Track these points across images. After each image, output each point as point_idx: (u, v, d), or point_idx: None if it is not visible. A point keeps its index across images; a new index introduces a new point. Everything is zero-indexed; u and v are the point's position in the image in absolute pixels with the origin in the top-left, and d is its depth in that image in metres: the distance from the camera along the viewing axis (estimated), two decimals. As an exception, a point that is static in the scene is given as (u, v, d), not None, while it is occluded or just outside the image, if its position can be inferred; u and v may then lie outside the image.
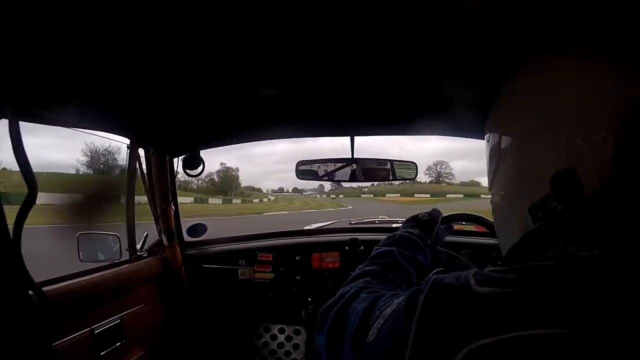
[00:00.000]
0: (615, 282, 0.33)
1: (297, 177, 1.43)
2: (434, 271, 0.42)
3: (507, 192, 0.46)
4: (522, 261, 0.39)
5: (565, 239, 0.38)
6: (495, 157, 0.48)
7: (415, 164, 1.44)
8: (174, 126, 1.26)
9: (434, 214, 0.87)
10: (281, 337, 1.63)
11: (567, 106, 0.39)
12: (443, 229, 0.88)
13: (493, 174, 0.49)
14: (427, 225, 0.83)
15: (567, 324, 0.31)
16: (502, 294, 0.35)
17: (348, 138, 1.37)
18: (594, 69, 0.38)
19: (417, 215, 0.88)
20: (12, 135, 0.67)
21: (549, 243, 0.39)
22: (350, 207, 28.67)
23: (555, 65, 0.42)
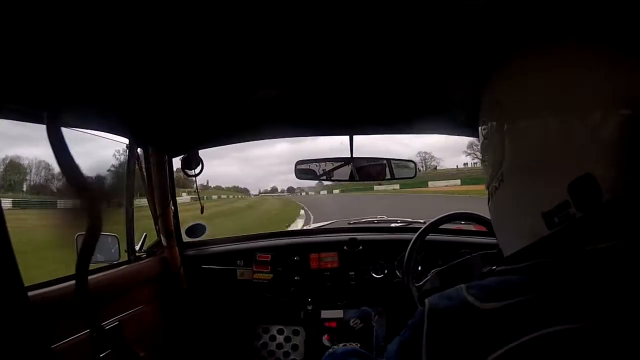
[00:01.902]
0: (622, 273, 0.33)
1: (296, 177, 1.44)
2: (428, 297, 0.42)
3: (515, 196, 0.44)
4: (527, 259, 0.39)
5: (581, 241, 0.37)
6: (499, 158, 0.46)
7: (414, 162, 1.45)
8: (172, 126, 1.26)
9: (365, 317, 0.86)
10: (280, 338, 1.63)
11: (572, 100, 0.38)
12: (380, 325, 0.87)
13: (495, 174, 0.47)
14: (363, 333, 0.83)
15: (577, 318, 0.32)
16: (507, 306, 0.35)
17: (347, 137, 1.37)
18: (597, 67, 0.38)
19: (349, 322, 0.86)
20: (53, 143, 0.58)
21: (562, 243, 0.38)
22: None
23: (559, 59, 0.41)
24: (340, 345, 0.82)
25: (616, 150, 0.36)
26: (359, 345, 0.80)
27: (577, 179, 0.37)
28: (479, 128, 0.51)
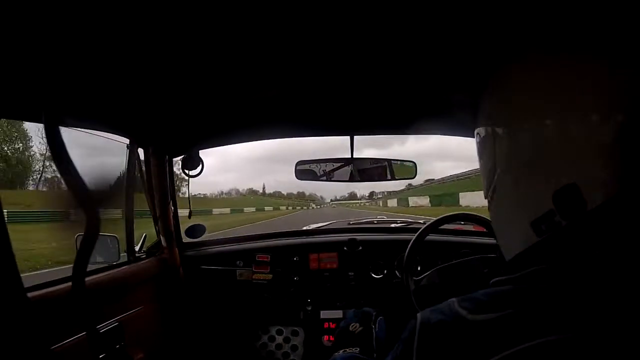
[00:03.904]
0: (607, 282, 0.34)
1: (296, 177, 1.44)
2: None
3: (507, 205, 0.46)
4: (520, 269, 0.40)
5: (571, 248, 0.38)
6: (492, 168, 0.47)
7: (414, 163, 1.45)
8: (173, 126, 1.26)
9: (365, 318, 0.85)
10: (279, 339, 1.62)
11: (564, 106, 0.38)
12: (381, 327, 0.86)
13: (489, 185, 0.48)
14: (363, 336, 0.82)
15: (562, 329, 0.32)
16: (498, 318, 0.35)
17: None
18: (594, 78, 0.38)
19: (348, 328, 0.86)
20: (51, 143, 0.58)
21: (553, 251, 0.39)
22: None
23: (550, 66, 0.41)
24: (341, 351, 0.82)
25: (600, 162, 0.36)
26: (358, 350, 0.79)
27: (561, 188, 0.37)
28: (475, 134, 0.52)
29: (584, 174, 0.37)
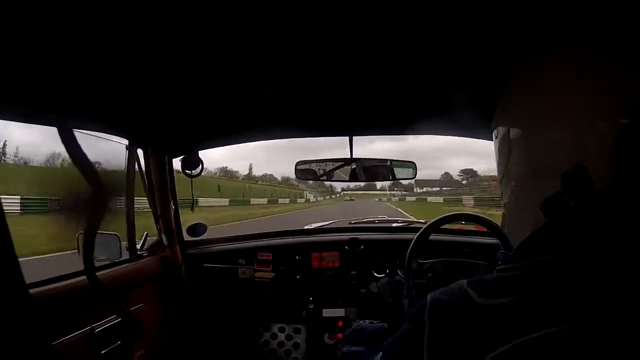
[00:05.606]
0: (609, 275, 0.34)
1: (296, 177, 1.44)
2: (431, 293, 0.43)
3: (518, 189, 0.47)
4: (530, 257, 0.40)
5: (575, 234, 0.39)
6: (505, 155, 0.49)
7: (414, 163, 1.44)
8: (172, 127, 1.27)
9: (397, 289, 0.92)
10: (281, 336, 1.63)
11: (573, 104, 0.40)
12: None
13: (503, 171, 0.50)
14: (394, 308, 0.89)
15: (563, 321, 0.33)
16: (505, 304, 0.36)
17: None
18: (596, 72, 0.39)
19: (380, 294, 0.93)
20: (67, 145, 0.58)
21: (559, 238, 0.40)
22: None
23: (560, 66, 0.43)
24: (367, 321, 0.84)
25: (607, 145, 0.37)
26: (386, 325, 0.83)
27: (569, 170, 0.39)
28: (492, 132, 0.54)
29: (591, 155, 0.38)
